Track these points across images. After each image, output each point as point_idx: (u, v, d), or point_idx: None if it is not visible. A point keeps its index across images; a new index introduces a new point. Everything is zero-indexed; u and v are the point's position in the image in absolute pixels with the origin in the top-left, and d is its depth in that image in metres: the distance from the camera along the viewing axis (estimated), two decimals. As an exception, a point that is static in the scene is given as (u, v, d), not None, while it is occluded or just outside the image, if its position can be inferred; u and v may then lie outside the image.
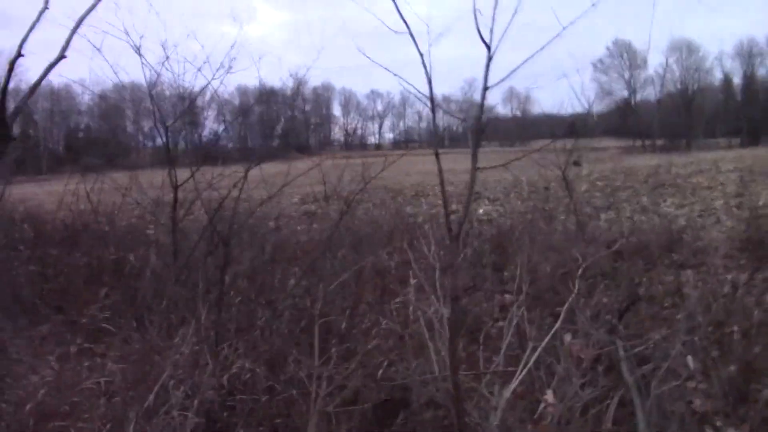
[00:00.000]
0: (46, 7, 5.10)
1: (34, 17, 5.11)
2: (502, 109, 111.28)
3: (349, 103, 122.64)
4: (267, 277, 5.20)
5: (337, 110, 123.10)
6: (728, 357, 4.68)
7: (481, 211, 14.45)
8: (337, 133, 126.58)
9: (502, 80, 2.82)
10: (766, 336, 4.73)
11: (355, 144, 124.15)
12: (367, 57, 3.58)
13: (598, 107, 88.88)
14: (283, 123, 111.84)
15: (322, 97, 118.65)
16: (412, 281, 4.54)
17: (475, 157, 2.83)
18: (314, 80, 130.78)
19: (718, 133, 69.65)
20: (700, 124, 68.73)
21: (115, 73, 6.57)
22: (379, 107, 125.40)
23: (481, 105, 2.89)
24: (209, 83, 6.33)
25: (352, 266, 5.62)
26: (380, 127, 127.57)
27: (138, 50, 6.03)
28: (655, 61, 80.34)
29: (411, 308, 4.46)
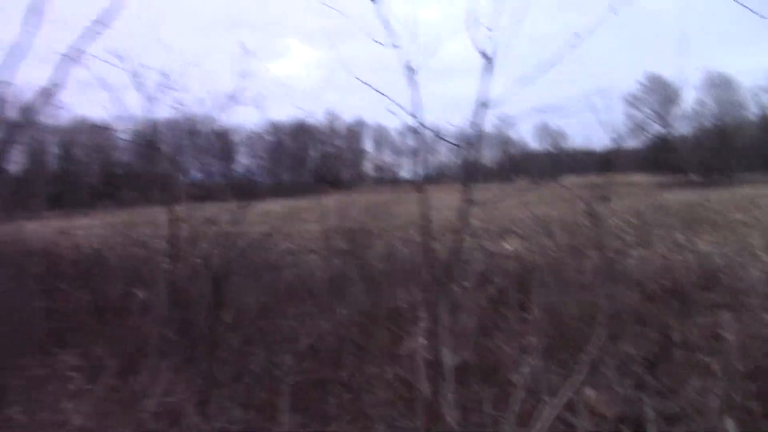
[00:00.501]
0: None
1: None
2: (533, 144, 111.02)
3: (381, 138, 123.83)
4: (268, 320, 4.91)
5: (369, 145, 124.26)
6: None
7: (508, 246, 14.01)
8: (369, 168, 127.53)
9: (502, 101, 2.51)
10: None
11: (387, 179, 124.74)
12: (368, 84, 3.28)
13: (632, 143, 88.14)
14: (316, 158, 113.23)
15: (355, 132, 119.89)
16: (421, 324, 4.22)
17: (468, 189, 2.52)
18: (347, 115, 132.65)
19: (755, 168, 68.13)
20: (736, 159, 67.33)
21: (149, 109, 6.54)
22: (411, 142, 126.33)
23: (477, 124, 2.58)
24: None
25: (364, 306, 5.32)
26: (414, 161, 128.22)
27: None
28: (689, 96, 79.53)
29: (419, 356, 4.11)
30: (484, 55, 2.45)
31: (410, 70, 2.58)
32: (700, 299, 7.34)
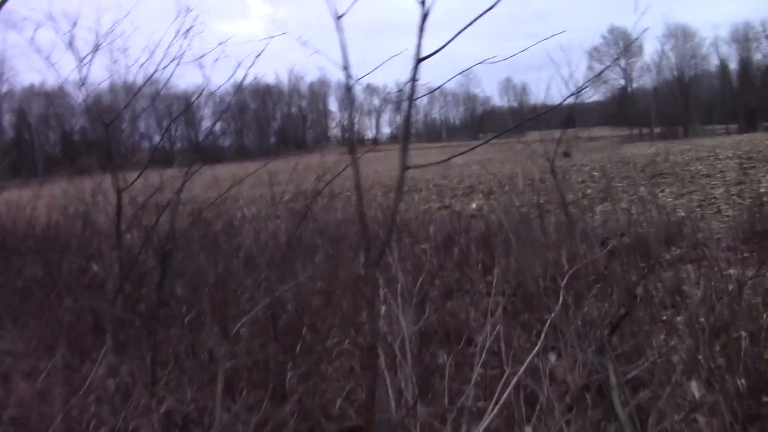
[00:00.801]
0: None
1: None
2: (499, 101, 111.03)
3: (345, 97, 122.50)
4: (224, 291, 4.70)
5: (333, 105, 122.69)
6: (736, 366, 4.20)
7: (473, 206, 13.96)
8: (334, 129, 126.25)
9: (436, 51, 2.30)
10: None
11: (353, 139, 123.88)
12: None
13: (595, 96, 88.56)
14: (280, 120, 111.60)
15: (319, 92, 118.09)
16: (382, 291, 4.06)
17: (405, 152, 2.32)
18: (310, 76, 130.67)
19: (715, 119, 69.20)
20: (697, 110, 68.18)
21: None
22: (376, 102, 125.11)
23: (413, 80, 2.36)
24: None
25: (324, 273, 5.16)
26: (377, 122, 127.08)
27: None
28: (650, 49, 79.94)
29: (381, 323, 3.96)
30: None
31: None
32: (663, 254, 7.34)
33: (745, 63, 70.95)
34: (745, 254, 7.13)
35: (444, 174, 22.86)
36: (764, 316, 4.57)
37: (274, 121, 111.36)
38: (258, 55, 5.22)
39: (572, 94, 5.38)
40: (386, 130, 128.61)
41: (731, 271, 6.40)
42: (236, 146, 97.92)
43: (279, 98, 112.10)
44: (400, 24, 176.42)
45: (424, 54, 2.21)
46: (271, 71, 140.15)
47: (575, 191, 14.77)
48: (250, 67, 5.95)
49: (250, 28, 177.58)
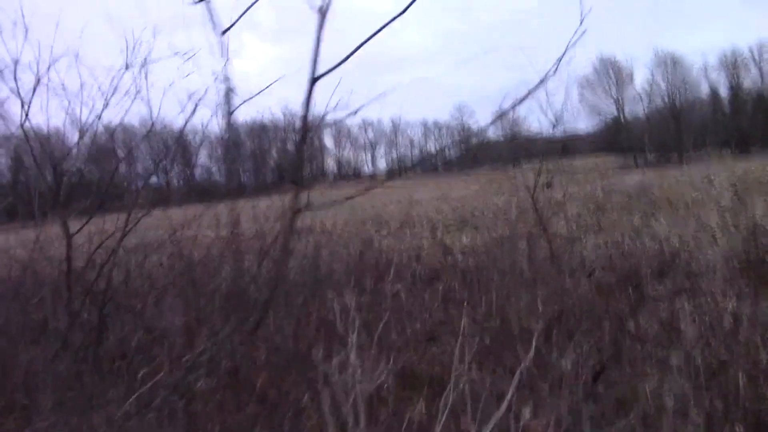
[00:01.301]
0: None
1: None
2: (492, 133, 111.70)
3: (340, 133, 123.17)
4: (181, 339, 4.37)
5: (329, 141, 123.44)
6: (734, 410, 3.89)
7: (465, 239, 13.68)
8: (330, 164, 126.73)
9: (333, 69, 2.06)
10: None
11: (348, 174, 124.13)
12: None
13: (588, 126, 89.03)
14: (276, 157, 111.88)
15: (313, 129, 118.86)
16: (351, 336, 3.76)
17: (297, 193, 2.06)
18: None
19: (708, 145, 69.31)
20: (690, 137, 68.41)
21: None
22: (371, 136, 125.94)
23: (307, 102, 2.12)
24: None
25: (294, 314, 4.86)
26: (372, 155, 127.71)
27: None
28: (641, 77, 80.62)
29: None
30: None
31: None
32: (657, 287, 7.05)
33: (735, 89, 71.45)
34: (741, 285, 6.85)
35: (439, 209, 22.64)
36: (763, 354, 4.28)
37: (270, 159, 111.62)
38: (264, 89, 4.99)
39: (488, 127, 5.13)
40: (383, 163, 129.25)
41: (727, 303, 6.12)
42: (233, 184, 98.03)
43: (275, 135, 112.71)
44: (399, 58, 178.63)
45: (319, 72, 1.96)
46: (266, 109, 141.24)
47: (569, 222, 14.54)
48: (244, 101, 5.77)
49: (246, 67, 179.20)
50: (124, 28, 5.67)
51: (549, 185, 11.56)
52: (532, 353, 2.68)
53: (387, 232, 16.70)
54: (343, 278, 7.42)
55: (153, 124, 6.32)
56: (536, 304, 4.60)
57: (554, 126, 5.78)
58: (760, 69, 70.14)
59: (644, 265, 7.56)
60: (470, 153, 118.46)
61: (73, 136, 5.87)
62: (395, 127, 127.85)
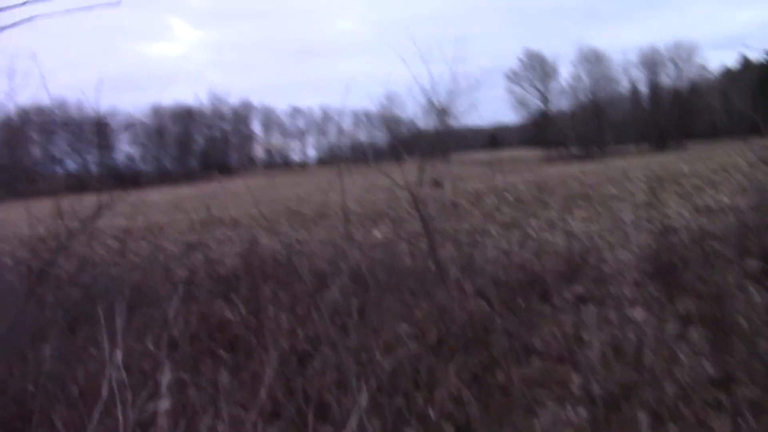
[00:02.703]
0: None
1: None
2: (423, 123, 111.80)
3: (270, 120, 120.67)
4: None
5: (258, 128, 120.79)
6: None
7: (378, 234, 12.98)
8: (259, 152, 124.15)
9: None
10: (683, 422, 3.38)
11: (278, 162, 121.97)
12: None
13: (516, 119, 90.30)
14: (203, 143, 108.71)
15: (242, 115, 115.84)
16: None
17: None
18: (233, 98, 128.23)
19: (628, 140, 71.44)
20: (611, 132, 70.27)
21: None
22: (301, 124, 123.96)
23: None
24: None
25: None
26: (303, 144, 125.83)
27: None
28: (566, 73, 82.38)
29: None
30: None
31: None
32: (563, 292, 6.49)
33: (654, 86, 73.81)
34: (651, 289, 6.41)
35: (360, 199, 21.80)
36: (667, 386, 3.71)
37: (197, 146, 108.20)
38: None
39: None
40: (313, 152, 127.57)
41: (636, 312, 5.63)
42: (157, 171, 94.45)
43: (200, 121, 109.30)
44: (332, 47, 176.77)
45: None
46: (192, 94, 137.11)
47: (489, 216, 14.14)
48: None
49: (173, 50, 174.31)
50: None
51: (438, 184, 11.02)
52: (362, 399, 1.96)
53: (301, 223, 15.84)
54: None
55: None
56: (436, 316, 3.90)
57: (440, 117, 5.18)
58: (677, 67, 72.65)
59: (551, 268, 7.02)
60: (400, 143, 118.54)
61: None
62: (325, 116, 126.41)
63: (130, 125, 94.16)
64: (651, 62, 72.67)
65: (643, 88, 75.35)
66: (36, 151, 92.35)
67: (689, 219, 10.76)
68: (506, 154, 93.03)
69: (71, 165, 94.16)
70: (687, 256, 6.82)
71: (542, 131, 75.39)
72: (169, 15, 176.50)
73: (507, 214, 14.31)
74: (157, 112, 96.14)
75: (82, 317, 4.83)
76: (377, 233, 12.85)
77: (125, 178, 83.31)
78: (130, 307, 6.13)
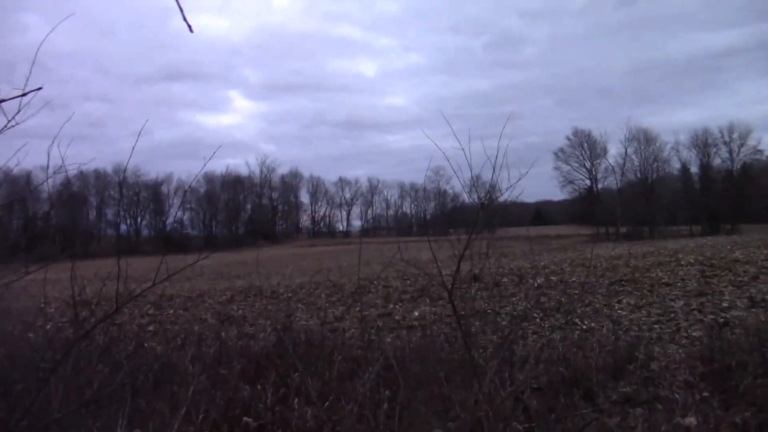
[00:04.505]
0: None
1: None
2: (468, 198, 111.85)
3: (317, 190, 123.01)
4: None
5: (305, 197, 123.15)
6: None
7: (416, 313, 12.71)
8: (305, 221, 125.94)
9: None
10: None
11: (323, 231, 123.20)
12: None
13: (561, 195, 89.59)
14: (250, 210, 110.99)
15: (290, 184, 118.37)
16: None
17: None
18: (282, 168, 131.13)
19: (678, 220, 70.02)
20: (660, 211, 68.99)
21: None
22: (348, 195, 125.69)
23: None
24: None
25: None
26: (348, 214, 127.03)
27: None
28: (614, 151, 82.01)
29: None
30: None
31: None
32: (609, 391, 6.11)
33: (705, 167, 72.65)
34: (704, 393, 5.97)
35: (403, 273, 21.51)
36: None
37: (245, 213, 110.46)
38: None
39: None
40: (357, 222, 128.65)
41: (687, 420, 5.21)
42: (206, 236, 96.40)
43: (250, 189, 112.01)
44: (381, 121, 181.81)
45: None
46: (244, 163, 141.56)
47: (530, 299, 13.73)
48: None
49: (228, 120, 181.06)
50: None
51: (477, 279, 10.76)
52: None
53: (339, 299, 15.64)
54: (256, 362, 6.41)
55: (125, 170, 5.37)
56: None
57: (486, 192, 5.17)
58: (730, 149, 71.56)
59: (596, 363, 6.65)
60: (445, 216, 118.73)
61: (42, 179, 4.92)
62: (372, 188, 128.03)
63: (182, 192, 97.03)
64: (703, 143, 71.85)
65: (695, 169, 74.32)
66: (92, 214, 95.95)
67: (744, 312, 10.20)
68: (552, 230, 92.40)
69: (124, 228, 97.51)
70: (744, 359, 6.35)
71: (589, 209, 74.54)
72: (227, 88, 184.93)
73: (550, 297, 13.87)
74: (210, 179, 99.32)
75: (106, 397, 4.70)
76: (416, 313, 12.60)
77: (175, 242, 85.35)
78: (156, 383, 6.02)
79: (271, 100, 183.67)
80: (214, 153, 4.62)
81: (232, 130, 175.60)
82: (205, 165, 4.42)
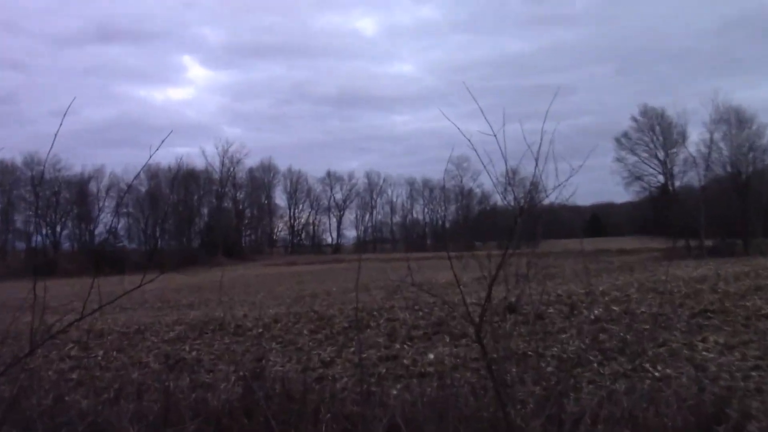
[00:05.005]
0: None
1: None
2: (501, 201, 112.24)
3: (297, 189, 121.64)
4: None
5: (281, 199, 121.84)
6: None
7: (431, 356, 12.75)
8: (281, 230, 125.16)
9: None
10: None
11: (305, 245, 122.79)
12: None
13: (625, 196, 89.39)
14: (207, 216, 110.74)
15: (262, 181, 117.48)
16: None
17: None
18: (251, 159, 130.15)
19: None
20: (759, 218, 68.38)
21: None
22: (339, 195, 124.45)
23: None
24: None
25: None
26: (339, 221, 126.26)
27: None
28: (696, 137, 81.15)
29: None
30: None
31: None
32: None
33: (818, 159, 72.21)
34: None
35: (413, 301, 21.53)
36: None
37: (200, 219, 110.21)
38: None
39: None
40: (351, 232, 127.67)
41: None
42: (147, 250, 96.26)
43: (208, 187, 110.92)
44: (384, 96, 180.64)
45: None
46: (200, 152, 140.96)
47: (584, 336, 13.73)
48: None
49: (180, 95, 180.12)
50: None
51: (513, 309, 10.79)
52: None
53: (326, 336, 15.69)
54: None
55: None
56: None
57: (525, 192, 5.29)
58: None
59: (673, 424, 6.67)
60: (470, 224, 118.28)
61: None
62: (371, 185, 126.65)
63: (117, 190, 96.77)
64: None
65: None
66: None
67: None
68: (613, 243, 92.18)
69: (39, 239, 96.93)
70: None
71: (663, 215, 74.20)
72: (179, 52, 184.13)
73: (612, 334, 13.89)
74: (153, 174, 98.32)
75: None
76: (431, 356, 12.63)
77: (107, 259, 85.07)
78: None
79: (237, 68, 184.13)
80: (164, 141, 4.63)
81: (184, 107, 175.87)
82: (151, 156, 4.43)
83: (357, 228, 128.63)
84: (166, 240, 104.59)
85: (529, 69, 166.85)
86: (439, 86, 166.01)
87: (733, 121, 71.47)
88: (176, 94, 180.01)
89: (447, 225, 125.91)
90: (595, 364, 10.64)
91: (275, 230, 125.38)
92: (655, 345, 12.21)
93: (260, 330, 16.61)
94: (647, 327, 14.40)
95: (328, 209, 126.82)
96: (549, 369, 9.67)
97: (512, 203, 6.06)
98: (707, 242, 67.25)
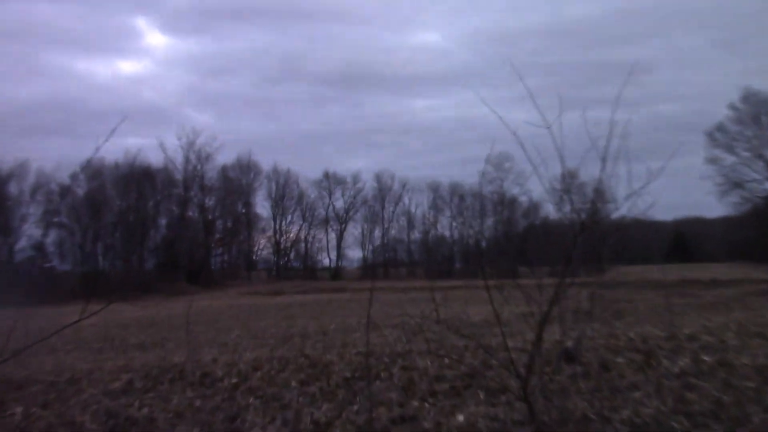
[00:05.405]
0: None
1: None
2: (555, 212, 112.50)
3: (285, 194, 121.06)
4: None
5: (264, 207, 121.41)
6: None
7: (460, 418, 12.70)
8: (263, 248, 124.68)
9: None
10: None
11: (295, 267, 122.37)
12: None
13: (719, 210, 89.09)
14: (166, 229, 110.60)
15: (238, 182, 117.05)
16: None
17: None
18: (227, 153, 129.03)
19: None
20: None
21: None
22: (340, 203, 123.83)
23: None
24: None
25: None
26: (340, 237, 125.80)
27: None
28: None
29: None
30: None
31: None
32: None
33: None
34: None
35: (437, 343, 21.51)
36: None
37: (156, 232, 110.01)
38: None
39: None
40: (355, 252, 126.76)
41: None
42: (86, 272, 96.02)
43: (167, 190, 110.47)
44: (400, 73, 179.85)
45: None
46: (157, 144, 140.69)
47: (663, 394, 13.63)
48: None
49: (133, 69, 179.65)
50: None
51: (571, 358, 10.74)
52: None
53: (324, 388, 15.67)
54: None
55: None
56: None
57: (587, 202, 5.33)
58: None
59: None
60: (513, 244, 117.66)
61: None
62: (381, 189, 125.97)
63: (46, 193, 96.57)
64: None
65: None
66: None
67: None
68: (703, 270, 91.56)
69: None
70: None
71: (764, 231, 73.97)
72: (131, 12, 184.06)
73: (703, 392, 13.81)
74: (95, 172, 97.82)
75: None
76: (460, 418, 12.56)
77: (31, 284, 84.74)
78: None
79: (208, 36, 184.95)
80: (114, 130, 4.57)
81: (137, 85, 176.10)
82: (98, 150, 4.38)
83: (363, 247, 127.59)
84: (110, 259, 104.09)
85: (594, 40, 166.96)
86: (475, 62, 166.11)
87: None
88: (127, 67, 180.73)
89: (483, 244, 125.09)
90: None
91: (255, 248, 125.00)
92: (762, 409, 12.11)
93: (234, 380, 16.58)
94: (751, 385, 14.31)
95: (326, 221, 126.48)
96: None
97: (570, 216, 6.01)
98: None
